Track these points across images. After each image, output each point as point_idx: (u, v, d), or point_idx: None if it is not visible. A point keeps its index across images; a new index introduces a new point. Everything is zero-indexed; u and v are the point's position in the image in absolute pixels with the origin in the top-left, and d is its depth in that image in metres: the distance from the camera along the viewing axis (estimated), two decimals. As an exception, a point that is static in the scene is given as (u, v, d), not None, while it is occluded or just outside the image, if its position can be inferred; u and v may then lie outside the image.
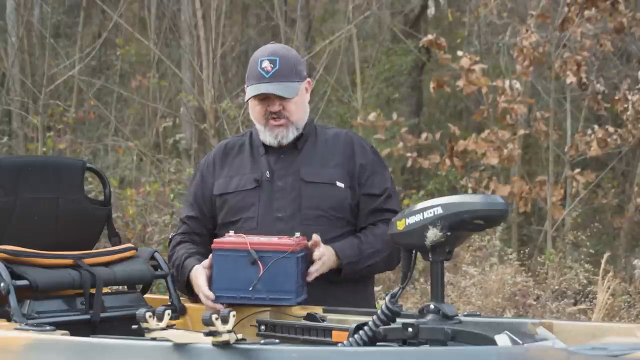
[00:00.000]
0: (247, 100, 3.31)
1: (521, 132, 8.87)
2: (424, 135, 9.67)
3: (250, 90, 3.26)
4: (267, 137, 3.29)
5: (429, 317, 2.30)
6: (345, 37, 10.51)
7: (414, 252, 2.33)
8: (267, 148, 3.33)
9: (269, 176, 3.25)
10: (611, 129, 8.52)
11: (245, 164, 3.31)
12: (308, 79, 3.37)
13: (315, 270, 3.08)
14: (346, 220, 3.27)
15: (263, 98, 3.26)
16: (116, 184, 9.28)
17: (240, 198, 3.25)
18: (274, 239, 3.01)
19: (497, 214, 2.25)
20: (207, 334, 2.08)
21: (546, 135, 8.74)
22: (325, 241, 3.17)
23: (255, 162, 3.31)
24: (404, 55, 14.17)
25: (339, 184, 3.27)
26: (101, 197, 3.21)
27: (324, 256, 3.11)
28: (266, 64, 3.25)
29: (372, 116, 9.63)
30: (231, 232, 3.08)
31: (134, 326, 2.28)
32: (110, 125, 11.29)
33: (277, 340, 2.17)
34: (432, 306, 2.30)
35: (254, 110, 3.31)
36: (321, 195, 3.20)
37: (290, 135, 3.29)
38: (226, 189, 3.30)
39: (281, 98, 3.25)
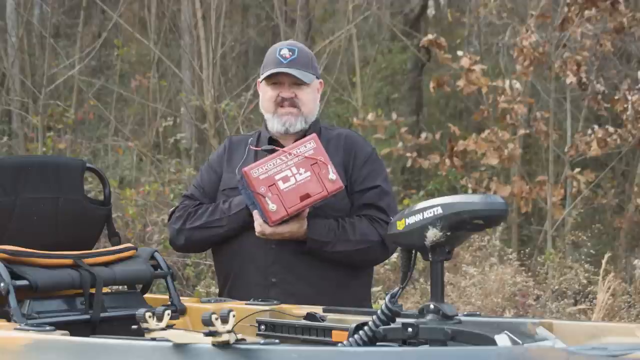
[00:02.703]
0: (261, 81, 3.36)
1: (521, 132, 8.87)
2: (423, 135, 9.67)
3: (266, 73, 3.30)
4: (275, 124, 3.33)
5: (429, 317, 2.30)
6: (345, 37, 10.51)
7: (413, 252, 2.33)
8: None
9: None
10: (611, 129, 8.52)
11: (249, 162, 3.33)
12: (320, 80, 3.42)
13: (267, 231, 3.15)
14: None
15: (276, 83, 3.31)
16: (116, 184, 9.28)
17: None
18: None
19: (496, 214, 2.25)
20: (207, 334, 2.07)
21: (546, 135, 8.74)
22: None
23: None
24: (400, 53, 14.18)
25: None
26: (101, 197, 3.21)
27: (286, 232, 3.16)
28: (285, 52, 3.32)
29: (370, 116, 9.63)
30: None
31: (134, 326, 2.28)
32: (110, 125, 11.28)
33: (277, 340, 2.16)
34: (432, 306, 2.30)
35: (265, 97, 3.35)
36: None
37: (299, 125, 3.32)
38: (229, 184, 3.33)
39: (295, 85, 3.30)
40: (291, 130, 3.32)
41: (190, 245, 3.48)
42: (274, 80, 3.32)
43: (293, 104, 3.31)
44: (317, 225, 3.21)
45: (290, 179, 3.07)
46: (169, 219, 3.47)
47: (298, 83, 3.31)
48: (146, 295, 3.11)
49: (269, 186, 3.05)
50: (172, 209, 3.49)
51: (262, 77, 3.34)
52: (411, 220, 2.26)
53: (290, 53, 3.31)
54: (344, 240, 3.23)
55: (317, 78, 3.40)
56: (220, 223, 3.29)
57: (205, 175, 3.45)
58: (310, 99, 3.35)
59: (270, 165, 3.07)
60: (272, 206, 3.05)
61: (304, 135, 3.34)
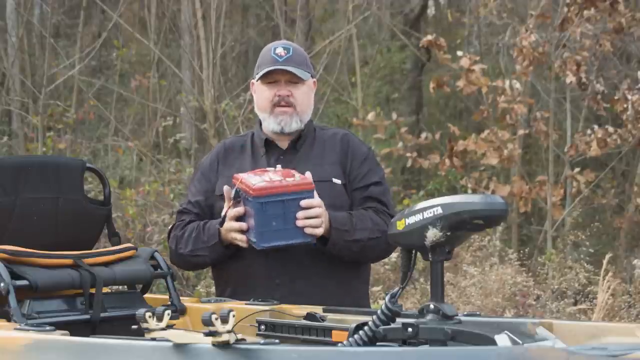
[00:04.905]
0: (256, 80, 3.35)
1: (521, 132, 8.87)
2: (423, 135, 9.68)
3: (262, 72, 3.31)
4: (271, 124, 3.33)
5: (429, 317, 2.30)
6: (345, 37, 10.51)
7: (413, 252, 2.33)
8: (268, 149, 3.35)
9: None
10: (611, 129, 8.52)
11: (245, 165, 3.33)
12: (314, 80, 3.42)
13: (303, 215, 3.09)
14: None
15: (272, 82, 3.30)
16: (116, 184, 9.27)
17: None
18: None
19: (496, 214, 2.25)
20: (207, 334, 2.08)
21: (546, 135, 8.74)
22: (323, 237, 3.20)
23: (256, 163, 3.34)
24: (398, 52, 14.18)
25: (335, 180, 3.30)
26: (101, 197, 3.21)
27: (321, 207, 3.11)
28: (280, 50, 3.33)
29: (370, 115, 9.63)
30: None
31: (134, 326, 2.28)
32: (110, 125, 11.28)
33: (277, 340, 2.16)
34: (432, 306, 2.30)
35: (262, 97, 3.35)
36: (319, 193, 3.20)
37: (294, 124, 3.32)
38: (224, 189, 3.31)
39: (291, 83, 3.30)
40: (286, 129, 3.32)
41: (188, 268, 3.61)
42: (269, 79, 3.32)
43: (288, 103, 3.31)
44: (336, 215, 3.21)
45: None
46: (168, 236, 3.46)
47: (294, 81, 3.32)
48: (146, 295, 3.11)
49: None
50: (170, 226, 3.48)
51: (258, 76, 3.34)
52: (411, 220, 2.26)
53: (285, 51, 3.32)
54: (361, 229, 3.22)
55: (312, 77, 3.40)
56: (204, 252, 3.30)
57: (198, 186, 3.42)
58: (306, 97, 3.36)
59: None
60: (254, 179, 3.06)
61: (300, 136, 3.35)
